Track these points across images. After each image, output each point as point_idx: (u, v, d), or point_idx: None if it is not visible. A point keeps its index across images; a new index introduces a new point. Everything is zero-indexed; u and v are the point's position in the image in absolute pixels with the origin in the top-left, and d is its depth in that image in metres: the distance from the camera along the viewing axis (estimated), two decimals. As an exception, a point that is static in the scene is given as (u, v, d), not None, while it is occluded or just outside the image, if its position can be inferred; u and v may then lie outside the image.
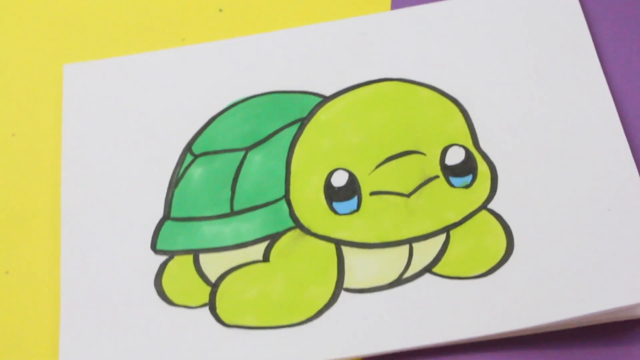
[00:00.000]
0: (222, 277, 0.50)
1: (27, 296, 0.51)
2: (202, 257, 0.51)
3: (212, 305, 0.49)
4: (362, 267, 0.49)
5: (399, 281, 0.49)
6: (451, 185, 0.51)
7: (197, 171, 0.53)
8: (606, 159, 0.50)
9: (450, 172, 0.51)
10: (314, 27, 0.57)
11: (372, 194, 0.51)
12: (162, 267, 0.51)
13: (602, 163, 0.50)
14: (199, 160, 0.54)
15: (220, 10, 0.60)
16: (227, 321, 0.49)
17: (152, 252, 0.51)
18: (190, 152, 0.54)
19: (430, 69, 0.55)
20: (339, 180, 0.52)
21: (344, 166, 0.52)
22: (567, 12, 0.55)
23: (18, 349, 0.49)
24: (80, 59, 0.58)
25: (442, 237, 0.50)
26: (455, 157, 0.52)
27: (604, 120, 0.51)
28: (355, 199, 0.51)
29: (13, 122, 0.57)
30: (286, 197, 0.52)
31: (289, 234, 0.51)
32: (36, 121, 0.56)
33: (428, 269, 0.49)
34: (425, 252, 0.49)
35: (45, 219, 0.53)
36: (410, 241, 0.50)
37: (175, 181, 0.53)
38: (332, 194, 0.51)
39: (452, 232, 0.50)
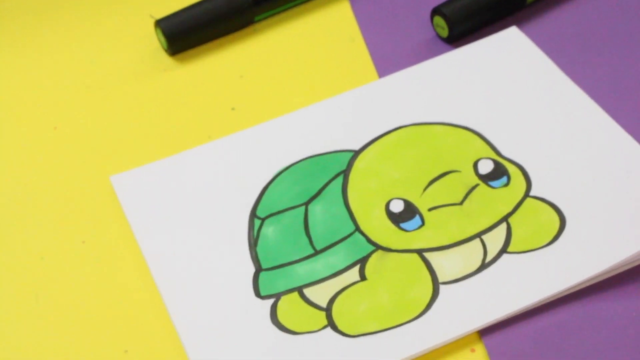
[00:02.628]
0: (332, 301, 0.55)
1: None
2: (306, 291, 0.56)
3: (332, 324, 0.54)
4: (447, 264, 0.56)
5: (483, 266, 0.56)
6: (492, 187, 0.60)
7: (269, 230, 0.59)
8: (599, 133, 0.61)
9: (487, 178, 0.60)
10: (322, 103, 0.66)
11: (430, 209, 0.59)
12: (274, 307, 0.55)
13: (598, 137, 0.61)
14: (267, 221, 0.60)
15: (233, 109, 0.67)
16: (351, 333, 0.54)
17: (259, 300, 0.56)
18: (256, 217, 0.60)
19: (433, 113, 0.64)
20: (397, 206, 0.59)
21: (396, 196, 0.60)
22: (526, 51, 0.67)
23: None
24: (119, 171, 0.63)
25: (504, 225, 0.58)
26: (486, 167, 0.61)
27: (588, 111, 0.63)
28: (418, 216, 0.59)
29: (80, 231, 0.61)
30: (357, 229, 0.59)
31: (374, 255, 0.57)
32: (104, 233, 0.61)
33: (503, 250, 0.57)
34: (495, 240, 0.57)
35: (150, 305, 0.57)
36: (478, 235, 0.58)
37: (253, 242, 0.59)
38: (396, 218, 0.59)
39: (510, 220, 0.58)
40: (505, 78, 0.66)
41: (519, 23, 0.70)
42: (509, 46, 0.68)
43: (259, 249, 0.58)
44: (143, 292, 0.57)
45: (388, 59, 0.69)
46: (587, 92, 0.64)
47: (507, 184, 0.60)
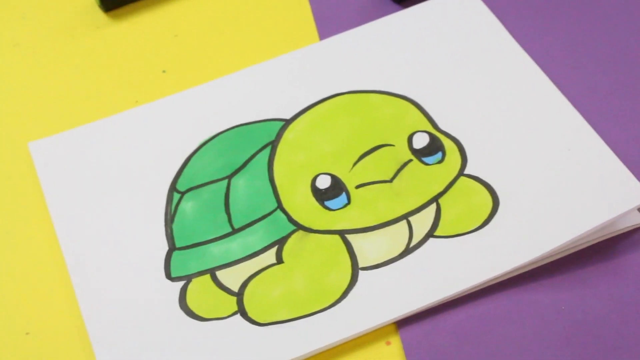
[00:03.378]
0: (244, 285, 0.52)
1: (51, 355, 0.51)
2: (219, 273, 0.53)
3: (242, 311, 0.51)
4: (370, 247, 0.53)
5: (407, 250, 0.53)
6: (425, 164, 0.56)
7: (188, 205, 0.56)
8: (547, 111, 0.57)
9: (420, 154, 0.56)
10: (257, 67, 0.62)
11: (358, 187, 0.55)
12: (183, 290, 0.52)
13: (546, 115, 0.57)
14: (186, 195, 0.56)
15: (164, 71, 0.63)
16: (261, 321, 0.51)
17: (169, 282, 0.53)
18: (176, 191, 0.57)
19: (372, 80, 0.60)
20: (323, 183, 0.56)
21: (323, 171, 0.56)
22: (478, 15, 0.63)
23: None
24: (42, 135, 0.60)
25: (433, 206, 0.54)
26: (421, 141, 0.57)
27: (538, 85, 0.58)
28: (344, 194, 0.55)
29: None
30: (280, 207, 0.55)
31: (294, 236, 0.54)
32: (16, 201, 0.58)
33: (430, 234, 0.53)
34: (422, 222, 0.54)
35: (57, 283, 0.54)
36: (406, 216, 0.54)
37: (170, 218, 0.55)
38: (321, 195, 0.55)
39: (440, 201, 0.55)
40: (453, 44, 0.62)
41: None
42: (461, 9, 0.63)
43: (175, 225, 0.55)
44: (52, 269, 0.54)
45: (332, 19, 0.65)
46: (539, 63, 0.60)
47: (441, 161, 0.56)
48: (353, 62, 0.62)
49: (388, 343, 0.50)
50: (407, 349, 0.50)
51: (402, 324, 0.51)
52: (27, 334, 0.52)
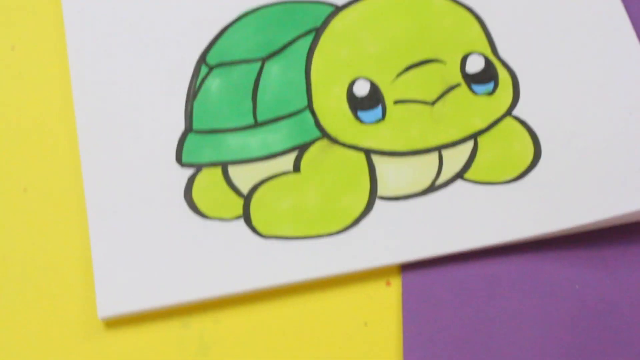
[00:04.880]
0: (254, 189, 0.50)
1: (50, 214, 0.50)
2: (231, 169, 0.50)
3: (247, 216, 0.49)
4: (394, 174, 0.50)
5: (432, 188, 0.49)
6: (474, 92, 0.52)
7: (214, 83, 0.52)
8: (624, 65, 0.52)
9: (471, 79, 0.52)
10: None
11: (396, 102, 0.51)
12: (191, 180, 0.50)
13: (621, 69, 0.52)
14: (215, 71, 0.53)
15: None
16: (263, 232, 0.48)
17: (178, 166, 0.50)
18: (205, 64, 0.53)
19: (442, -23, 0.55)
20: (362, 89, 0.52)
21: (364, 75, 0.52)
22: None
23: (50, 271, 0.48)
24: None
25: (470, 143, 0.50)
26: (475, 65, 0.52)
27: (617, 28, 0.53)
28: (380, 107, 0.51)
29: (13, 34, 0.54)
30: (309, 107, 0.51)
31: (317, 144, 0.51)
32: (37, 32, 0.54)
33: (459, 175, 0.50)
34: (454, 158, 0.50)
35: (60, 134, 0.51)
36: (438, 148, 0.50)
37: (193, 94, 0.52)
38: (356, 103, 0.51)
39: (479, 139, 0.51)
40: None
41: None
42: None
43: (196, 103, 0.52)
44: (60, 120, 0.52)
45: None
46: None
47: (491, 92, 0.52)
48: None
49: (388, 283, 0.48)
50: (406, 296, 0.47)
51: (407, 267, 0.48)
52: (24, 190, 0.50)
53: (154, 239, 0.48)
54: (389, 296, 0.48)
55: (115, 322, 0.47)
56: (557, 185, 0.49)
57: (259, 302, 0.47)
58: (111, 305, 0.47)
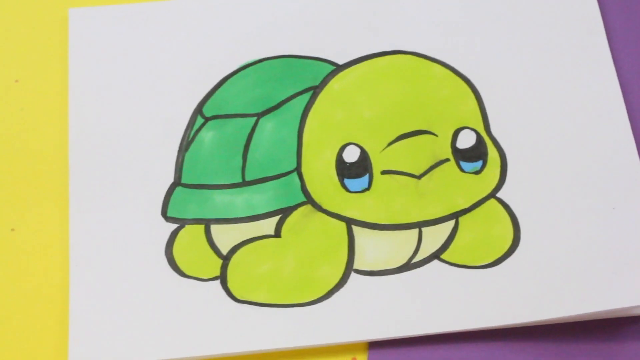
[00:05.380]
0: (233, 250, 0.50)
1: (34, 256, 0.51)
2: (214, 228, 0.51)
3: (223, 278, 0.50)
4: (372, 248, 0.50)
5: (407, 266, 0.50)
6: (461, 169, 0.52)
7: (208, 135, 0.53)
8: (613, 157, 0.51)
9: (461, 155, 0.52)
10: None
11: (384, 172, 0.52)
12: (173, 235, 0.51)
13: (609, 161, 0.51)
14: (210, 123, 0.53)
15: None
16: (238, 296, 0.50)
17: (162, 219, 0.51)
18: (201, 115, 0.54)
19: (445, 44, 0.55)
20: (351, 155, 0.52)
21: (356, 141, 0.52)
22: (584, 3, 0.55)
23: (26, 311, 0.50)
24: (86, 3, 0.56)
25: (451, 223, 0.51)
26: (466, 140, 0.52)
27: (613, 118, 0.52)
28: (367, 176, 0.52)
29: (17, 68, 0.55)
30: (298, 169, 0.52)
31: (300, 209, 0.51)
32: (41, 68, 0.55)
33: (436, 255, 0.50)
34: (434, 237, 0.51)
35: (53, 175, 0.53)
36: (419, 225, 0.51)
37: (185, 145, 0.53)
38: (344, 170, 0.52)
39: (461, 219, 0.51)
40: (544, 28, 0.55)
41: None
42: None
43: (188, 155, 0.53)
44: (54, 160, 0.53)
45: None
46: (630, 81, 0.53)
47: (479, 171, 0.52)
48: (434, 13, 0.56)
49: (354, 359, 0.49)
50: (370, 373, 0.48)
51: (374, 345, 0.49)
52: (12, 230, 0.52)
53: (131, 294, 0.49)
54: (353, 371, 0.49)
55: (86, 374, 0.49)
56: (532, 276, 0.49)
57: (226, 366, 0.49)
58: (82, 356, 0.48)
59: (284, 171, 0.52)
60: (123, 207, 0.51)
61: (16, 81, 0.55)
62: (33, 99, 0.54)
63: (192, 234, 0.51)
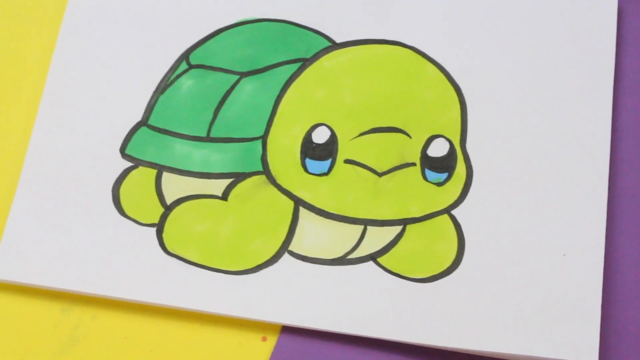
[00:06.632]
0: (177, 202, 0.50)
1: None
2: (165, 176, 0.51)
3: (160, 227, 0.50)
4: (313, 234, 0.50)
5: (341, 260, 0.49)
6: (425, 177, 0.51)
7: (187, 83, 0.53)
8: (578, 208, 0.49)
9: (428, 163, 0.51)
10: None
11: (347, 161, 0.51)
12: (125, 173, 0.51)
13: (573, 210, 0.49)
14: (192, 71, 0.53)
15: None
16: (169, 248, 0.50)
17: (119, 155, 0.51)
18: (186, 61, 0.53)
19: (446, 44, 0.53)
20: (320, 137, 0.51)
21: (328, 123, 0.51)
22: (600, 29, 0.53)
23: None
24: None
25: (398, 228, 0.50)
26: (438, 149, 0.51)
27: (591, 171, 0.50)
28: (329, 161, 0.51)
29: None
30: (263, 137, 0.51)
31: (254, 178, 0.51)
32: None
33: (373, 256, 0.49)
34: (377, 238, 0.50)
35: (28, 84, 0.53)
36: (366, 222, 0.50)
37: (163, 87, 0.53)
38: (309, 150, 0.51)
39: (408, 227, 0.50)
40: (549, 46, 0.53)
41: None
42: (586, 11, 0.53)
43: (162, 97, 0.53)
44: (30, 76, 0.53)
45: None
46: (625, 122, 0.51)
47: (441, 183, 0.51)
48: (443, 10, 0.54)
49: (264, 339, 0.49)
50: (275, 356, 0.48)
51: (287, 329, 0.49)
52: (-24, 130, 0.52)
53: (68, 220, 0.50)
54: (260, 351, 0.48)
55: (5, 287, 0.49)
56: (461, 302, 0.48)
57: (139, 313, 0.49)
58: (6, 269, 0.49)
59: (249, 136, 0.51)
60: (86, 134, 0.51)
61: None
62: (30, 9, 0.55)
63: (143, 176, 0.51)
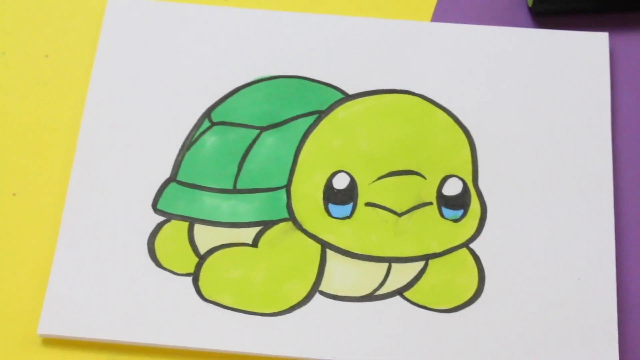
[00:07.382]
0: (210, 252, 0.53)
1: (30, 220, 0.54)
2: (197, 228, 0.54)
3: (196, 276, 0.53)
4: (340, 274, 0.53)
5: (370, 296, 0.52)
6: (442, 215, 0.54)
7: (211, 139, 0.56)
8: (590, 234, 0.53)
9: (444, 202, 0.54)
10: (355, 20, 0.59)
11: (367, 204, 0.54)
12: (158, 227, 0.54)
13: (584, 235, 0.53)
14: (215, 128, 0.56)
15: (269, -21, 0.61)
16: (206, 295, 0.52)
17: (151, 210, 0.54)
18: (208, 118, 0.56)
19: (451, 91, 0.57)
20: (340, 183, 0.54)
21: (347, 170, 0.55)
22: (595, 71, 0.57)
23: (10, 277, 0.53)
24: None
25: (421, 264, 0.53)
26: (452, 188, 0.54)
27: (596, 202, 0.54)
28: (351, 205, 0.54)
29: (49, 44, 0.59)
30: (287, 187, 0.54)
31: (281, 225, 0.54)
32: (71, 47, 0.58)
33: (400, 291, 0.52)
34: (402, 274, 0.53)
35: (60, 149, 0.56)
36: (390, 260, 0.53)
37: (188, 144, 0.56)
38: (331, 195, 0.54)
39: (430, 262, 0.53)
40: (551, 91, 0.57)
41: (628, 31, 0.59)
42: (581, 55, 0.57)
43: (188, 154, 0.55)
44: (64, 135, 0.56)
45: (456, 4, 0.60)
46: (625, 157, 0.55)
47: (458, 219, 0.54)
48: (448, 59, 0.58)
49: (301, 375, 0.51)
50: (313, 392, 0.51)
51: (323, 365, 0.51)
52: (13, 195, 0.55)
53: (108, 275, 0.52)
54: (299, 386, 0.51)
55: (52, 341, 0.52)
56: (486, 329, 0.51)
57: (182, 358, 0.51)
58: (52, 324, 0.51)
59: (273, 186, 0.54)
60: (118, 191, 0.54)
61: (46, 56, 0.58)
62: (57, 75, 0.58)
63: (176, 229, 0.54)
